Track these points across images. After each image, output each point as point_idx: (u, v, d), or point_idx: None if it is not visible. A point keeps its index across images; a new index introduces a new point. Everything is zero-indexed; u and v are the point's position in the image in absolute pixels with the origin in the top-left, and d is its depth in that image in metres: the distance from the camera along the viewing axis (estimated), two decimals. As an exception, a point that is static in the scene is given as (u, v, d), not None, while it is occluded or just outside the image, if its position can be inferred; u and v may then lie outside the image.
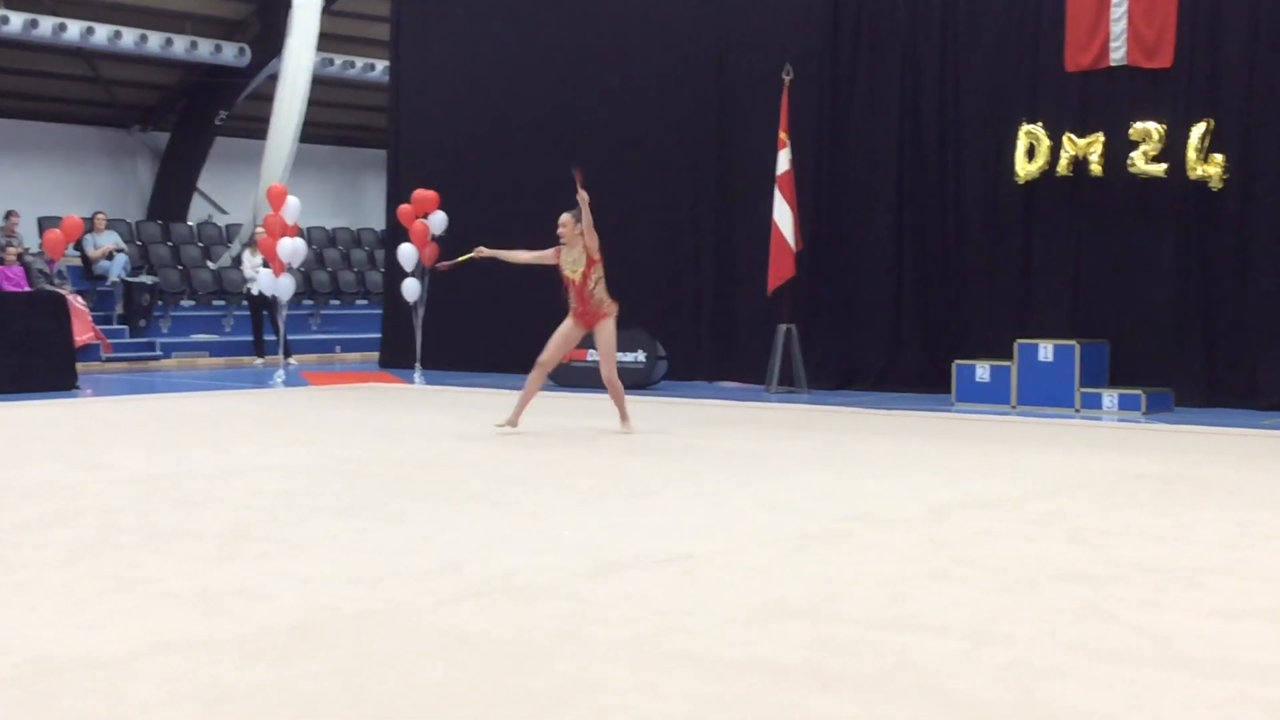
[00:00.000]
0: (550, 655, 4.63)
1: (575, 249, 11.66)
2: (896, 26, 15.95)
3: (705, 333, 17.51)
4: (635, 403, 14.76)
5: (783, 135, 15.64)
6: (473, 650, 4.69)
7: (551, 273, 18.42)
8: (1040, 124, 14.68)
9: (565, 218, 11.73)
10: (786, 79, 15.72)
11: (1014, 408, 13.95)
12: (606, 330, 11.70)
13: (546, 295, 18.40)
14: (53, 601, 5.36)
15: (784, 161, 15.63)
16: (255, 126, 25.11)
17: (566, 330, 11.80)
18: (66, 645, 4.72)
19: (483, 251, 12.45)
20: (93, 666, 4.48)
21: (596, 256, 11.65)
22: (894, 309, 15.94)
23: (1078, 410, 13.65)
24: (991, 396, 14.16)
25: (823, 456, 10.30)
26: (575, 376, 16.94)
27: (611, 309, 11.74)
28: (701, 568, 6.06)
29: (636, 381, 16.55)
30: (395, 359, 20.02)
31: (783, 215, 15.59)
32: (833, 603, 5.38)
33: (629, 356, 16.71)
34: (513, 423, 11.78)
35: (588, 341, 12.13)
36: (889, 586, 5.67)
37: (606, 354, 11.74)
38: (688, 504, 7.92)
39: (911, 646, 4.70)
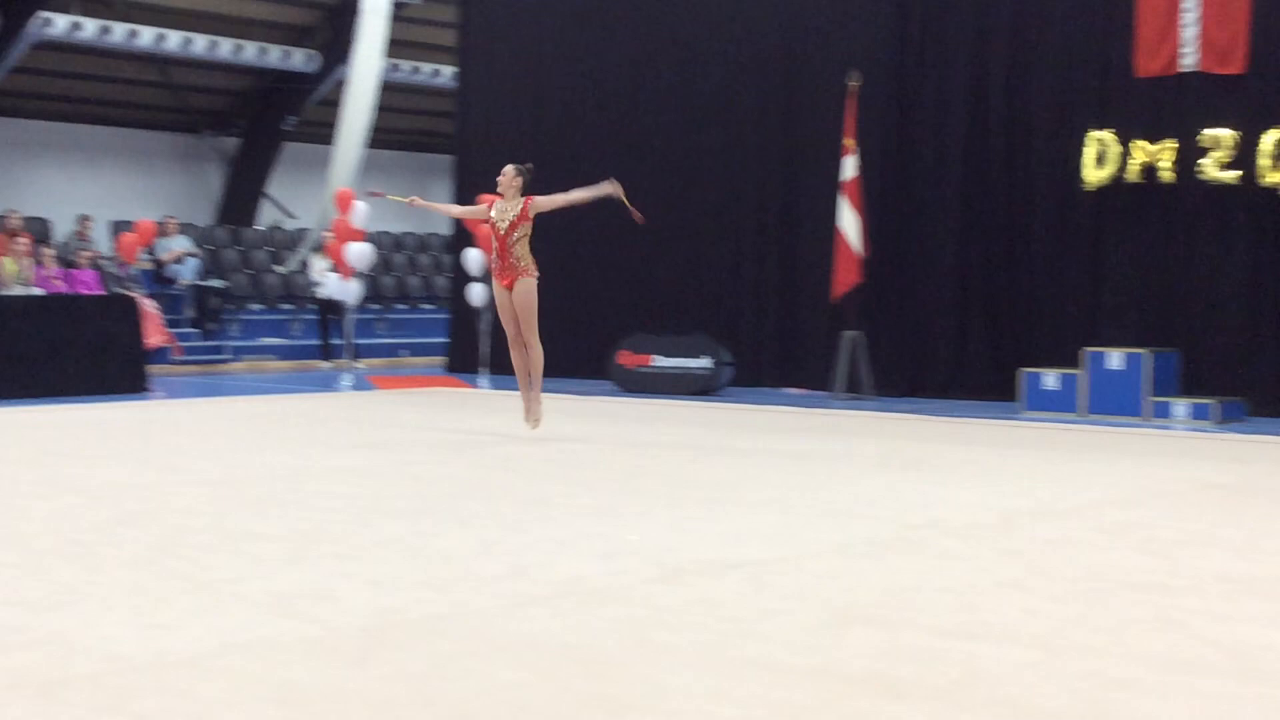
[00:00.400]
0: (619, 661, 4.63)
1: (512, 202, 11.35)
2: (963, 32, 15.88)
3: (770, 339, 17.48)
4: (701, 409, 14.79)
5: (849, 141, 15.60)
6: (542, 655, 4.70)
7: (617, 278, 18.56)
8: (1109, 130, 14.57)
9: (509, 168, 11.45)
10: (852, 85, 15.67)
11: (1083, 416, 13.85)
12: (526, 289, 11.33)
13: (612, 299, 18.54)
14: (128, 601, 5.41)
15: (850, 168, 15.59)
16: (323, 132, 25.30)
17: (499, 299, 11.50)
18: (142, 645, 4.77)
19: (416, 201, 12.08)
20: (168, 666, 4.53)
21: (531, 216, 11.34)
22: (960, 316, 15.86)
23: (1148, 420, 13.53)
24: (1060, 405, 14.06)
25: (890, 463, 10.26)
26: (641, 381, 16.97)
27: (532, 270, 11.38)
28: (769, 574, 6.05)
29: (701, 388, 16.55)
30: (461, 363, 20.11)
31: (848, 221, 15.56)
32: (902, 611, 5.36)
33: (694, 362, 16.71)
34: (534, 416, 11.57)
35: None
36: (959, 595, 5.64)
37: (526, 314, 11.38)
38: (754, 510, 7.90)
39: (982, 656, 4.68)
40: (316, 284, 21.58)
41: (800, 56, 17.28)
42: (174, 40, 23.33)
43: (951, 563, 6.36)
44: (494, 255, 11.48)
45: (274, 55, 24.89)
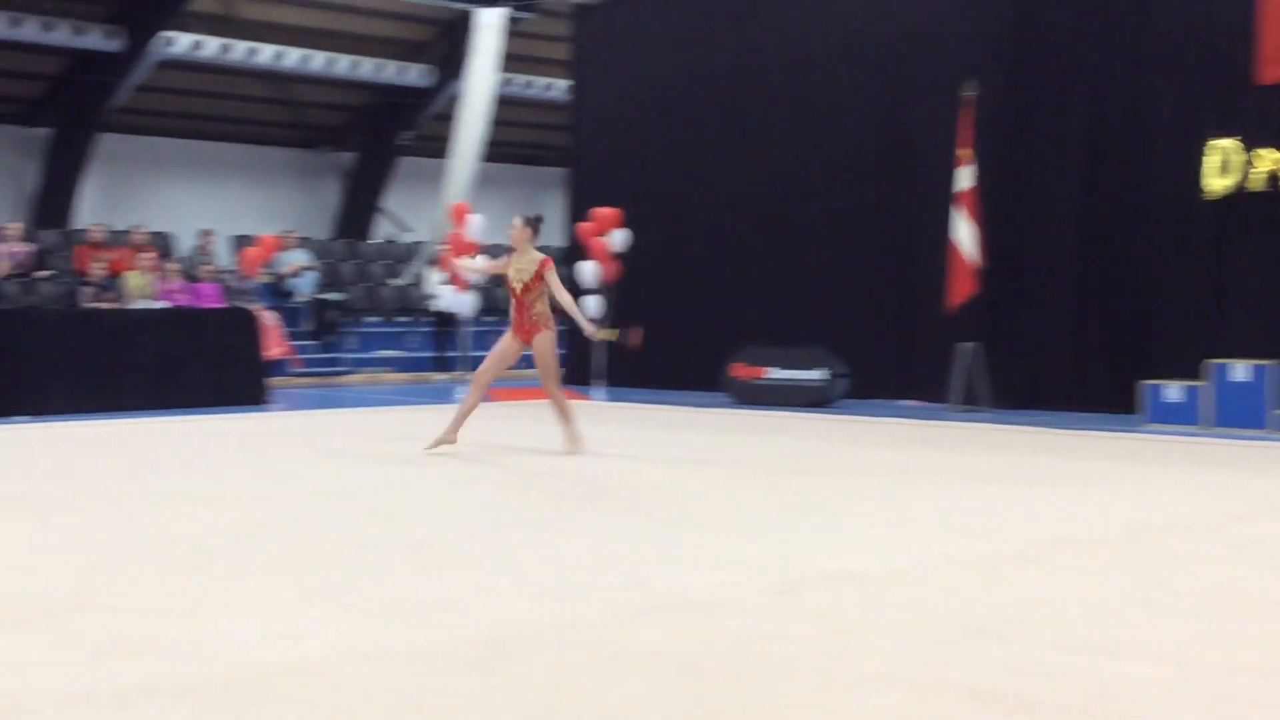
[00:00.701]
0: (738, 673, 4.62)
1: (525, 257, 11.30)
2: (1081, 39, 15.68)
3: (886, 350, 17.37)
4: (816, 421, 14.73)
5: (965, 151, 15.47)
6: (663, 666, 4.70)
7: (731, 289, 18.56)
8: (1231, 138, 14.32)
9: (517, 221, 11.41)
10: (968, 95, 15.54)
11: (1206, 429, 13.61)
12: (544, 344, 11.37)
13: (727, 311, 18.53)
14: (255, 610, 5.49)
15: (966, 178, 15.46)
16: (438, 146, 25.55)
17: (504, 345, 11.51)
18: (269, 652, 4.84)
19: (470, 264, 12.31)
20: (295, 674, 4.59)
21: (544, 279, 11.31)
22: (1079, 327, 15.65)
23: (1275, 432, 13.28)
24: (1182, 417, 13.83)
25: (1009, 475, 10.15)
26: (755, 393, 16.94)
27: (549, 324, 11.41)
28: (888, 587, 6.01)
29: (816, 400, 16.48)
30: (576, 375, 20.18)
31: (964, 232, 15.42)
32: (1026, 625, 5.30)
33: (809, 374, 16.66)
34: (449, 440, 11.45)
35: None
36: (1083, 610, 5.57)
37: (545, 370, 11.45)
38: (871, 522, 7.86)
39: (1111, 674, 4.61)
40: (432, 296, 21.78)
41: (915, 66, 17.17)
42: (293, 57, 23.70)
43: (1075, 577, 6.28)
44: (511, 310, 11.47)
45: (390, 71, 25.19)
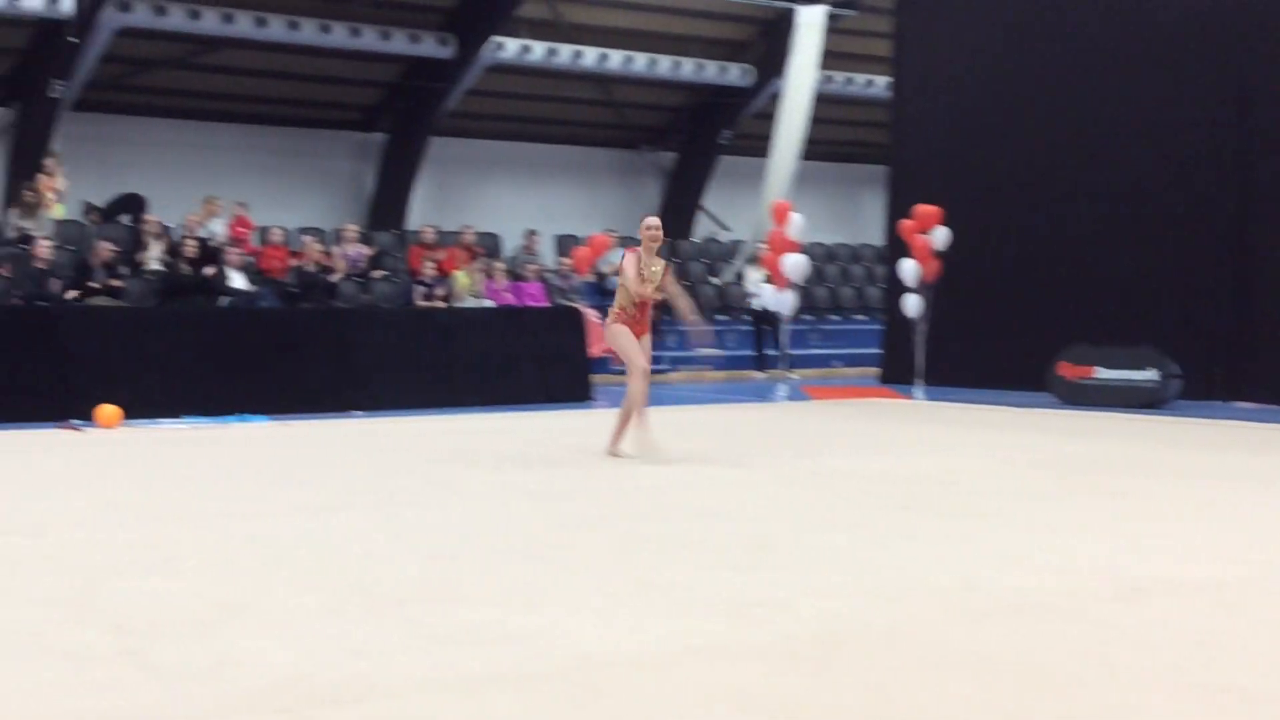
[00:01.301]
0: (1078, 680, 4.52)
1: (657, 261, 11.07)
2: None
3: (1221, 350, 16.70)
4: (1148, 423, 14.27)
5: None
6: (997, 670, 4.63)
7: (1057, 286, 18.10)
8: None
9: (656, 221, 11.14)
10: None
11: None
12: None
13: (1053, 309, 18.09)
14: (588, 602, 5.61)
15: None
16: (758, 145, 25.65)
17: (639, 343, 11.25)
18: (604, 645, 4.95)
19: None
20: (630, 667, 4.67)
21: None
22: None
23: None
24: None
25: (1359, 483, 9.67)
26: (1082, 394, 16.54)
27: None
28: (1236, 595, 5.79)
29: (1147, 401, 15.98)
30: (895, 374, 20.00)
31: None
32: (1386, 640, 5.05)
33: (1139, 374, 16.16)
34: (645, 445, 11.20)
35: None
36: None
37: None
38: (1214, 528, 7.58)
39: None
40: (751, 295, 21.88)
41: (1255, 53, 16.48)
42: (616, 59, 24.14)
43: None
44: (632, 307, 11.14)
45: (710, 71, 25.42)
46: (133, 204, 21.33)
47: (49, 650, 4.82)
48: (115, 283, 17.58)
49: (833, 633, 5.13)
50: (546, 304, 21.09)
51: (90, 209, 20.97)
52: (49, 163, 20.32)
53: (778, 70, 24.86)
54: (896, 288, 19.07)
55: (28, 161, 20.75)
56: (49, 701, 4.26)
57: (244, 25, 21.09)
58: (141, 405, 13.91)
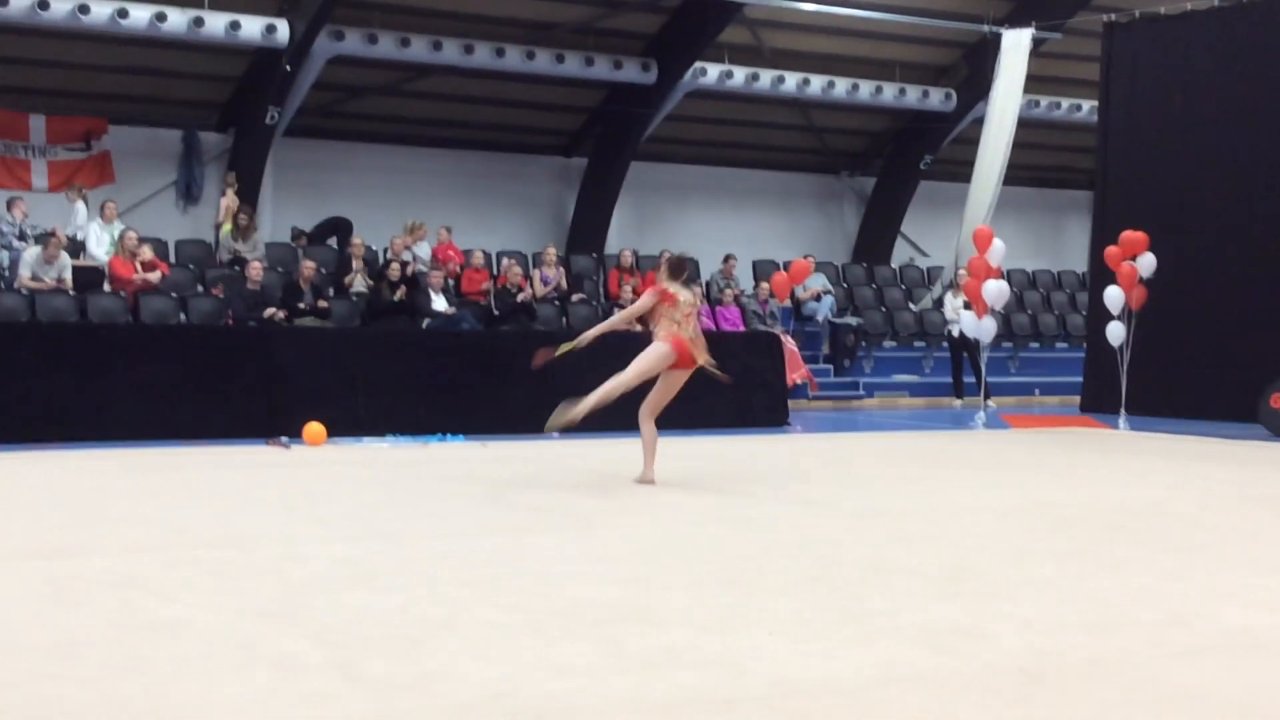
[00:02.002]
0: (1295, 721, 4.38)
1: (688, 289, 10.96)
2: None
3: None
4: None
5: None
6: (1207, 708, 4.51)
7: (1269, 315, 17.54)
8: None
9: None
10: None
11: None
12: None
13: (1267, 340, 17.52)
14: (787, 628, 5.59)
15: None
16: (958, 170, 25.38)
17: (674, 378, 11.09)
18: (804, 670, 4.92)
19: (583, 339, 11.27)
20: (829, 693, 4.65)
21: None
22: None
23: None
24: None
25: None
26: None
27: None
28: None
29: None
30: (1097, 403, 19.56)
31: None
32: None
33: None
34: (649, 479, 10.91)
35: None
36: None
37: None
38: None
39: None
40: (951, 321, 21.65)
41: None
42: (817, 85, 24.08)
43: None
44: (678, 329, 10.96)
45: (912, 96, 25.23)
46: (340, 227, 21.88)
47: (260, 661, 4.95)
48: (322, 304, 18.06)
49: (1037, 665, 5.04)
50: (743, 329, 21.11)
51: (298, 234, 21.56)
52: (226, 186, 21.06)
53: (980, 94, 24.57)
54: (1100, 315, 18.66)
55: (243, 186, 21.43)
56: (261, 711, 4.38)
57: (452, 53, 21.48)
58: (346, 424, 14.25)
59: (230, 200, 20.85)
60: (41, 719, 4.26)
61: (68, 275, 17.95)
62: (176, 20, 19.56)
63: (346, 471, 11.47)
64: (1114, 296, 17.68)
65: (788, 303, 22.38)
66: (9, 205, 19.03)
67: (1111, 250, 17.89)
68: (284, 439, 13.72)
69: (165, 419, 14.08)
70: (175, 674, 4.76)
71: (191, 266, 19.93)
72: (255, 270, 18.30)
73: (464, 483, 10.61)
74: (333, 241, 21.72)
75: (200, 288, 19.32)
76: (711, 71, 23.33)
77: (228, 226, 20.53)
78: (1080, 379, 21.07)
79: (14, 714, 4.28)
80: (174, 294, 18.65)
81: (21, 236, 18.70)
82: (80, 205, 19.77)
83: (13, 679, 4.67)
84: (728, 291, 21.93)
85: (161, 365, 14.42)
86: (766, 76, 23.72)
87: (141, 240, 18.87)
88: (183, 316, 18.35)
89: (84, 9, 18.95)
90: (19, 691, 4.52)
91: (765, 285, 22.24)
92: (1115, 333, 17.76)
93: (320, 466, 11.88)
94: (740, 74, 23.56)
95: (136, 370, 14.28)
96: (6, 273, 18.29)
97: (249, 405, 14.51)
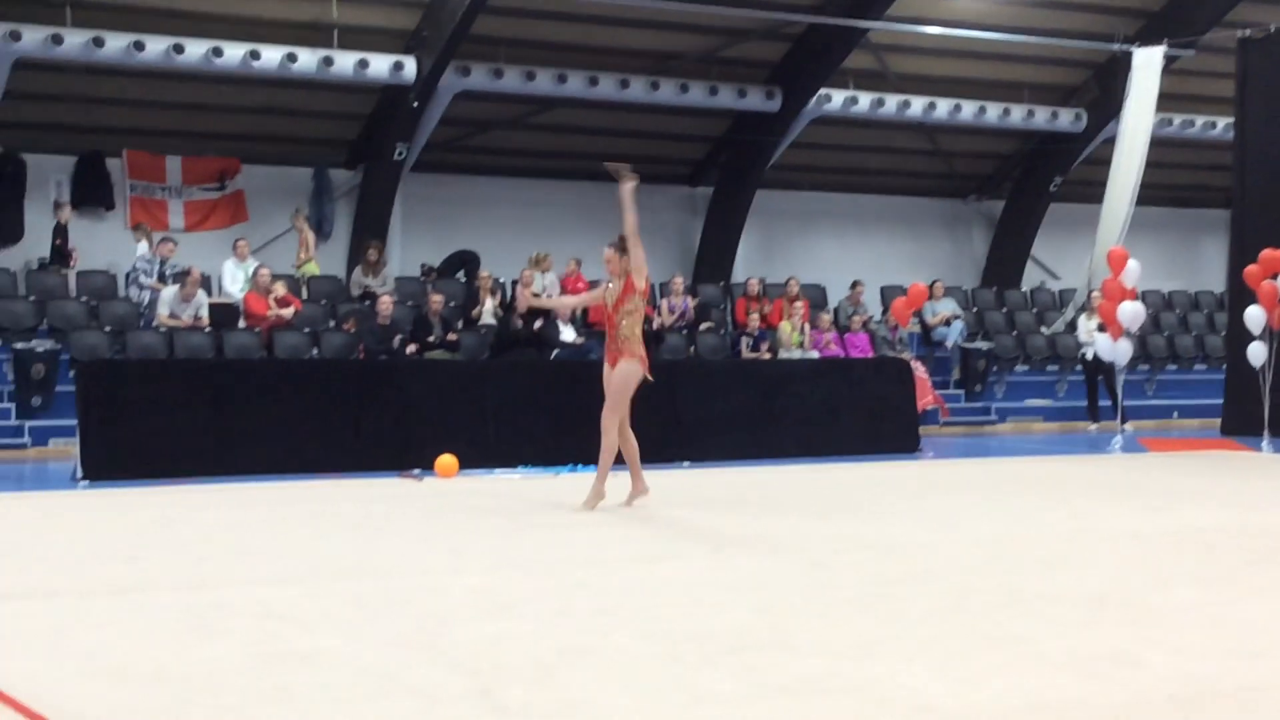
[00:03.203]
0: None
1: (619, 281, 10.60)
2: None
3: None
4: None
5: None
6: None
7: None
8: None
9: (608, 251, 10.63)
10: None
11: None
12: (622, 373, 10.48)
13: None
14: (926, 655, 5.50)
15: None
16: (1089, 191, 24.99)
17: (607, 378, 10.64)
18: (946, 698, 4.83)
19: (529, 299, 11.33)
20: (973, 721, 4.56)
21: (639, 285, 10.50)
22: None
23: None
24: None
25: None
26: None
27: (638, 351, 10.51)
28: None
29: None
30: (1238, 426, 19.13)
31: None
32: None
33: None
34: (640, 491, 10.77)
35: None
36: None
37: (613, 397, 10.49)
38: None
39: None
40: (1084, 344, 21.31)
41: None
42: (943, 108, 23.86)
43: None
44: (606, 335, 10.82)
45: (1040, 117, 24.91)
46: (467, 261, 22.06)
47: (401, 690, 4.97)
48: (451, 337, 18.21)
49: (1188, 692, 4.91)
50: (872, 355, 20.95)
51: (427, 270, 21.74)
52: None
53: (1110, 114, 24.20)
54: (1240, 335, 18.28)
55: (372, 221, 21.70)
56: (401, 738, 4.39)
57: (576, 85, 21.60)
58: (477, 456, 14.30)
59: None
60: (186, 747, 4.31)
61: (204, 313, 18.29)
62: (306, 60, 19.87)
63: (479, 503, 11.52)
64: (1254, 316, 17.31)
65: (916, 328, 22.15)
66: (158, 245, 19.45)
67: (1251, 269, 17.53)
68: (416, 471, 13.81)
69: (299, 453, 14.24)
70: (317, 703, 4.80)
71: (323, 302, 20.20)
72: (385, 305, 18.51)
73: (595, 511, 10.59)
74: (461, 275, 21.90)
75: (332, 323, 19.58)
76: (836, 97, 23.22)
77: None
78: (1220, 401, 20.64)
79: (160, 742, 4.34)
80: (306, 329, 18.92)
81: (161, 278, 19.07)
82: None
83: (157, 707, 4.72)
84: (856, 318, 21.77)
85: (295, 400, 14.61)
86: (892, 101, 23.55)
87: (275, 277, 19.18)
88: (315, 351, 18.61)
89: (218, 51, 19.28)
90: (164, 720, 4.58)
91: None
92: (1257, 353, 17.37)
93: (453, 498, 11.95)
94: (865, 99, 23.42)
95: (271, 405, 14.48)
96: (145, 310, 18.68)
97: (381, 438, 14.63)
